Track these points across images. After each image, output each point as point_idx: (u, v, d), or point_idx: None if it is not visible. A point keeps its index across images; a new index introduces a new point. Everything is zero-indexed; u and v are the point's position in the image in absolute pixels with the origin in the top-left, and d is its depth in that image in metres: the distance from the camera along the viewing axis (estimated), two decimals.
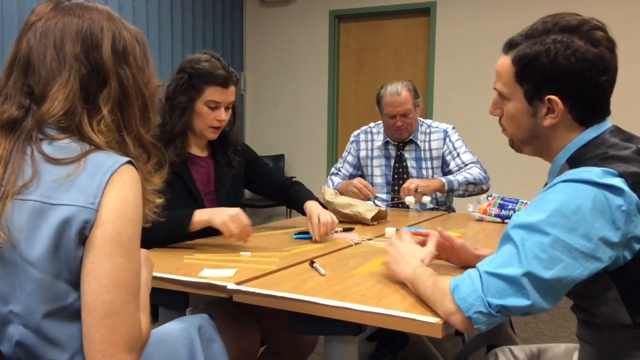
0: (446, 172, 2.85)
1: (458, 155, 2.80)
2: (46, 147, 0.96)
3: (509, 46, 1.20)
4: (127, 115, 1.02)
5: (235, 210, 1.72)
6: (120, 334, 0.91)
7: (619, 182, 1.02)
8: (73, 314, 0.94)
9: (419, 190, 2.54)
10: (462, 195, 2.76)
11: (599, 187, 1.02)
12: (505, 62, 1.20)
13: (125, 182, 0.95)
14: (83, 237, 0.92)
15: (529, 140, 1.23)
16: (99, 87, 0.99)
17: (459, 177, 2.67)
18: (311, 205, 1.99)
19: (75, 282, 0.93)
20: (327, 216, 1.91)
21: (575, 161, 1.14)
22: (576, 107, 1.14)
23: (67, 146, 0.97)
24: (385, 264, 1.42)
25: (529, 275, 1.04)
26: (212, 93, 1.87)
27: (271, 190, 2.18)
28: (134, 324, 0.93)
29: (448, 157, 2.83)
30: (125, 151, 1.01)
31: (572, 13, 1.16)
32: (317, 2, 5.65)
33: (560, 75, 1.12)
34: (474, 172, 2.71)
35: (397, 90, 2.76)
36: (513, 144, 1.28)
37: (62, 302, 0.94)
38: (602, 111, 1.17)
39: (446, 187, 2.64)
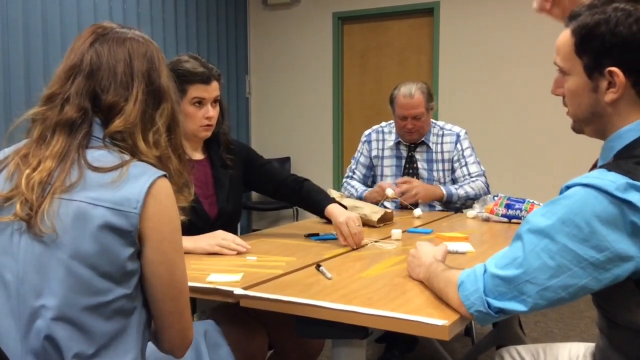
0: (452, 177, 2.86)
1: (466, 164, 2.80)
2: (89, 155, 1.04)
3: (570, 18, 1.13)
4: (174, 135, 1.14)
5: (218, 233, 1.79)
6: (188, 320, 1.11)
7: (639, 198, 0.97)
8: (112, 311, 1.01)
9: (417, 198, 2.53)
10: (458, 207, 2.79)
11: (618, 201, 0.98)
12: (565, 35, 1.13)
13: (167, 193, 1.04)
14: (130, 240, 1.00)
15: (590, 119, 1.14)
16: (155, 105, 1.10)
17: (460, 192, 2.67)
18: (335, 212, 1.94)
19: (118, 280, 1.01)
20: (356, 223, 1.88)
21: (619, 156, 1.08)
22: (639, 81, 1.07)
23: (107, 156, 1.04)
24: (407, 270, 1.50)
25: (532, 281, 1.04)
26: (194, 91, 1.88)
27: (273, 189, 2.12)
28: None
29: (456, 164, 2.83)
30: (168, 166, 1.10)
31: None
32: (320, 4, 5.65)
33: (621, 45, 1.05)
34: (477, 187, 2.72)
35: (410, 93, 2.73)
36: (574, 125, 1.20)
37: (102, 298, 1.00)
38: None
39: (444, 199, 2.64)
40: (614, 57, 1.06)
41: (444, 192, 2.62)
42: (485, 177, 2.79)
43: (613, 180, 0.99)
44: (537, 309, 1.06)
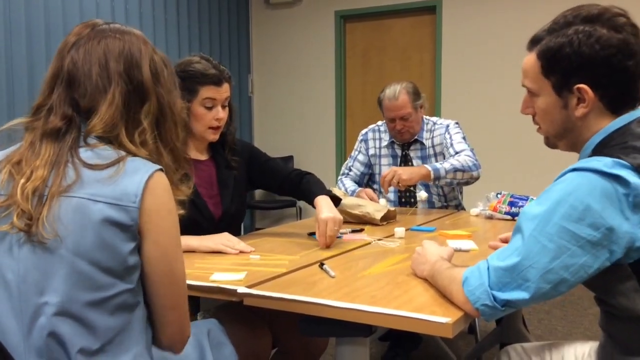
0: None
1: (452, 145, 2.72)
2: (83, 154, 1.04)
3: (533, 42, 1.21)
4: (164, 130, 1.12)
5: (224, 235, 1.83)
6: (186, 315, 1.12)
7: (627, 173, 1.03)
8: (115, 306, 1.01)
9: (400, 184, 2.46)
10: (451, 184, 2.67)
11: (607, 177, 1.03)
12: (530, 58, 1.21)
13: (165, 187, 1.05)
14: (130, 235, 1.01)
15: (563, 134, 1.22)
16: (139, 103, 1.09)
17: (446, 165, 2.55)
18: (321, 204, 1.91)
19: (121, 275, 1.01)
20: (336, 227, 1.83)
21: (597, 151, 1.13)
22: (606, 94, 1.14)
23: (102, 153, 1.05)
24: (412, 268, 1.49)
25: (534, 266, 1.06)
26: (206, 92, 1.88)
27: (278, 185, 2.13)
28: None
29: (444, 150, 2.77)
30: (159, 161, 1.09)
31: (593, 4, 1.16)
32: (322, 2, 5.65)
33: (586, 64, 1.12)
34: (463, 159, 2.59)
35: (395, 95, 2.71)
36: (548, 141, 1.28)
37: (105, 293, 1.00)
38: (633, 97, 1.16)
39: (432, 175, 2.52)
40: (581, 75, 1.14)
41: (430, 168, 2.52)
42: (473, 153, 2.67)
43: (599, 160, 1.06)
44: (541, 295, 1.07)
